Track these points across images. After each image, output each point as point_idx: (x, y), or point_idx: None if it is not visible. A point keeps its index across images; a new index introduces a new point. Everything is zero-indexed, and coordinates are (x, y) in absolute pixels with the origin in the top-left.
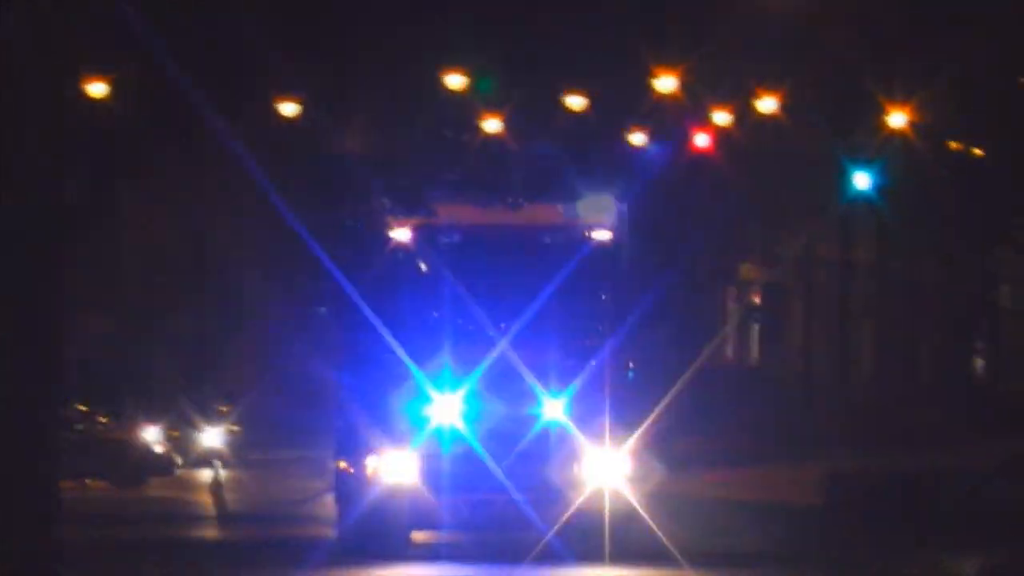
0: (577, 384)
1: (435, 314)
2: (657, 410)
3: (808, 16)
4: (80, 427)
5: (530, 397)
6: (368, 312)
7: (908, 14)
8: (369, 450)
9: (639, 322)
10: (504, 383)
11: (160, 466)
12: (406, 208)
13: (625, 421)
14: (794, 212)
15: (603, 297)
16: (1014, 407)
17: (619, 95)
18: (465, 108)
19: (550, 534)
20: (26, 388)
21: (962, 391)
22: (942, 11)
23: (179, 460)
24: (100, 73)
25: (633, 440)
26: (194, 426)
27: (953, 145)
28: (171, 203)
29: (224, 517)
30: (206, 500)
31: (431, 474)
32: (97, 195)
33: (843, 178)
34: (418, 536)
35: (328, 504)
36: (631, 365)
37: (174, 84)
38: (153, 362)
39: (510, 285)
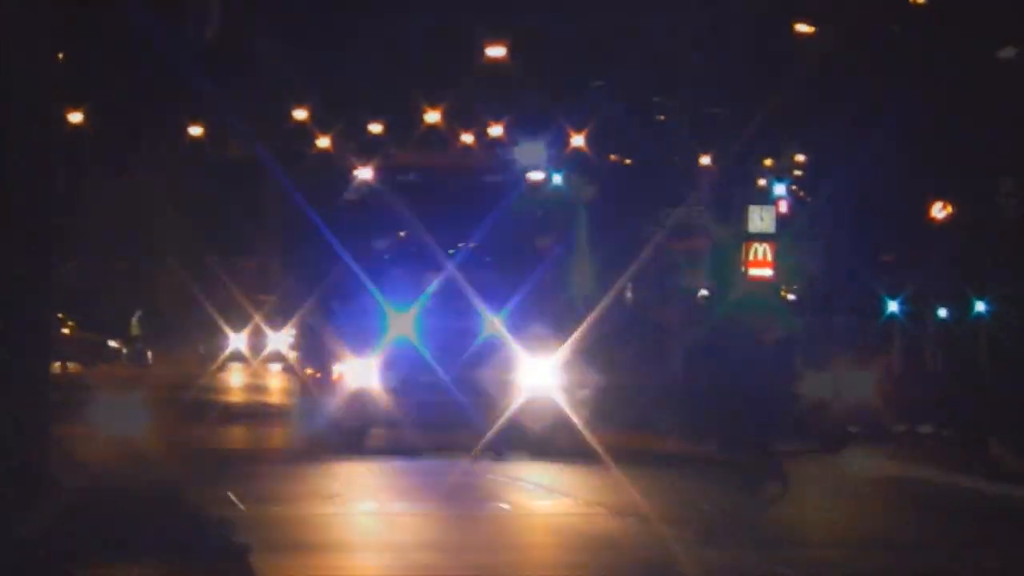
0: (516, 302)
1: (392, 243)
2: (587, 323)
3: None
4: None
5: (474, 314)
6: (334, 242)
7: None
8: (335, 358)
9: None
10: (451, 302)
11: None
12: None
13: (560, 335)
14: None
15: (538, 228)
16: None
17: None
18: None
19: (489, 433)
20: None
21: None
22: None
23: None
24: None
25: (566, 350)
26: None
27: None
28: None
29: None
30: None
31: (387, 379)
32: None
33: None
34: (374, 433)
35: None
36: (567, 287)
37: None
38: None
39: (455, 218)
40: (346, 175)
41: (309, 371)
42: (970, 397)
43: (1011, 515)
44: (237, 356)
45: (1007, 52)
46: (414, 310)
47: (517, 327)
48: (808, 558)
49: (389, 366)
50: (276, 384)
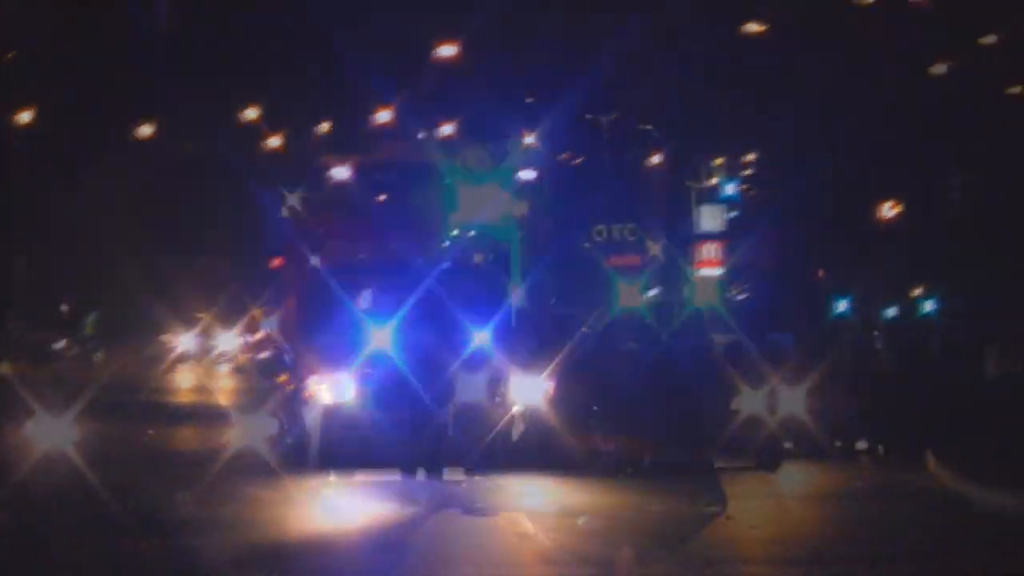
0: (501, 315)
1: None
2: (574, 340)
3: None
4: None
5: (457, 327)
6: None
7: None
8: (311, 372)
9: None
10: (433, 314)
11: None
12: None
13: (548, 349)
14: None
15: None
16: None
17: None
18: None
19: (473, 450)
20: None
21: None
22: None
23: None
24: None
25: (553, 365)
26: None
27: None
28: None
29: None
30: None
31: (365, 395)
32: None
33: None
34: (352, 450)
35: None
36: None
37: None
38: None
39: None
40: (295, 175)
41: (286, 385)
42: (908, 411)
43: (943, 529)
44: (187, 356)
45: (938, 68)
46: (394, 322)
47: (505, 340)
48: (740, 574)
49: (366, 381)
50: (226, 385)
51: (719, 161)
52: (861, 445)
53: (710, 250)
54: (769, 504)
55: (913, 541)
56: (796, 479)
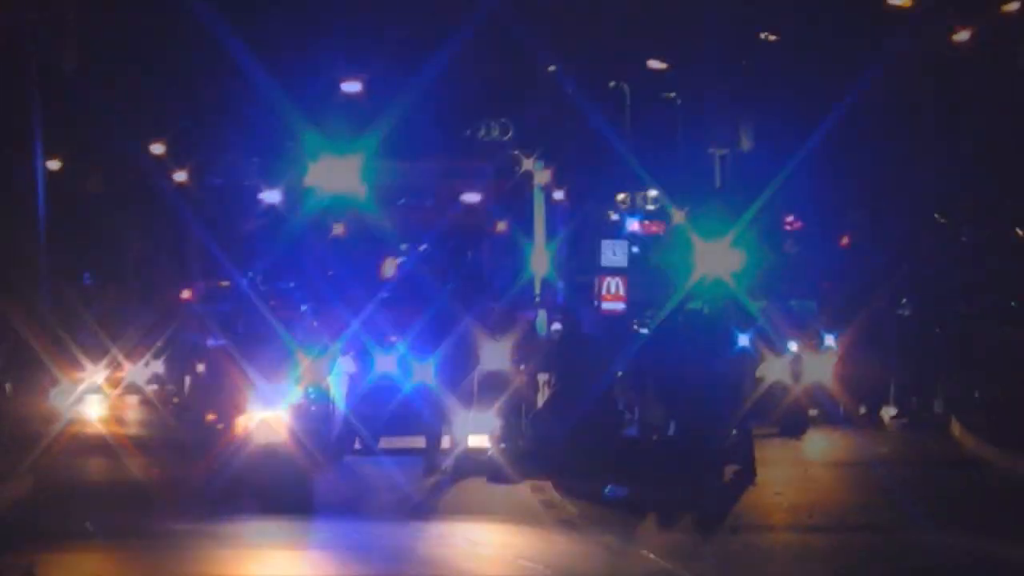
0: (446, 348)
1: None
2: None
3: None
4: None
5: (398, 360)
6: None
7: None
8: (241, 410)
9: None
10: (374, 347)
11: None
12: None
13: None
14: None
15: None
16: None
17: None
18: None
19: (415, 491)
20: None
21: None
22: None
23: None
24: None
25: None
26: None
27: None
28: None
29: None
30: None
31: (301, 434)
32: None
33: None
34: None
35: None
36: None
37: None
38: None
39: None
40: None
41: (214, 423)
42: (931, 380)
43: (968, 496)
44: (94, 388)
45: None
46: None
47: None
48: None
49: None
50: (135, 417)
51: (621, 197)
52: (886, 412)
53: (612, 284)
54: (794, 471)
55: (937, 508)
56: (820, 446)
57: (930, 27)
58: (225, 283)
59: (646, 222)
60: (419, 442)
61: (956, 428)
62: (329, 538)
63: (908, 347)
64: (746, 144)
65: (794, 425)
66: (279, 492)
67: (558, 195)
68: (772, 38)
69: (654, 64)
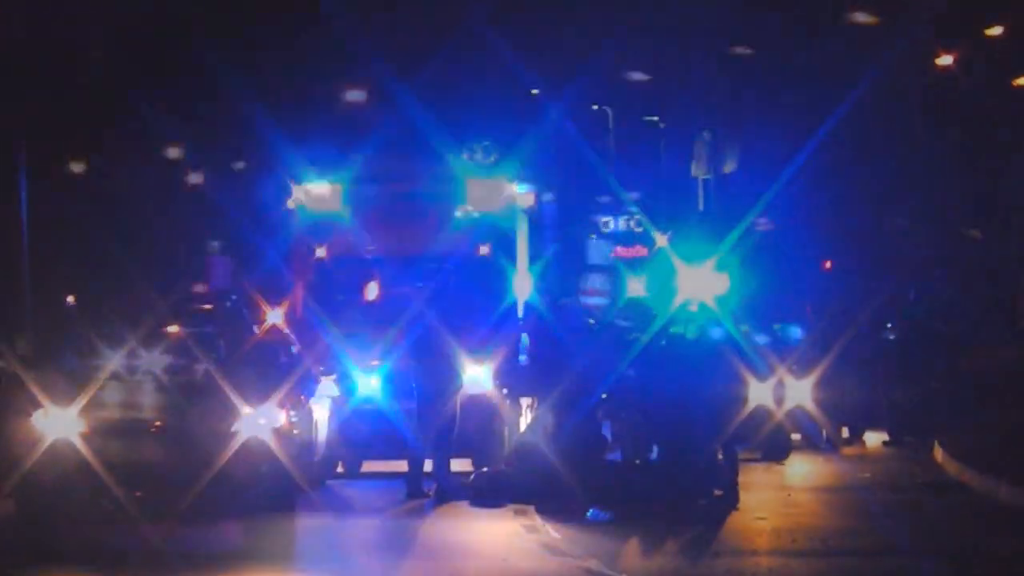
0: (428, 371)
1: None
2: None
3: None
4: None
5: (381, 384)
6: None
7: None
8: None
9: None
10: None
11: None
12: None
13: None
14: None
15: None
16: None
17: None
18: None
19: (397, 515)
20: None
21: None
22: None
23: None
24: None
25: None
26: None
27: None
28: None
29: None
30: None
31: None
32: None
33: None
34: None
35: None
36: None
37: None
38: None
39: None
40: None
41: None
42: (916, 404)
43: (950, 521)
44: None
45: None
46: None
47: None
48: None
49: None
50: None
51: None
52: (869, 436)
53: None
54: (777, 495)
55: (920, 533)
56: (803, 470)
57: (916, 49)
58: (208, 306)
59: (628, 248)
60: (402, 466)
61: (939, 453)
62: (308, 564)
63: (892, 371)
64: (729, 167)
65: (777, 449)
66: (261, 516)
67: (541, 215)
68: (754, 59)
69: (636, 76)
